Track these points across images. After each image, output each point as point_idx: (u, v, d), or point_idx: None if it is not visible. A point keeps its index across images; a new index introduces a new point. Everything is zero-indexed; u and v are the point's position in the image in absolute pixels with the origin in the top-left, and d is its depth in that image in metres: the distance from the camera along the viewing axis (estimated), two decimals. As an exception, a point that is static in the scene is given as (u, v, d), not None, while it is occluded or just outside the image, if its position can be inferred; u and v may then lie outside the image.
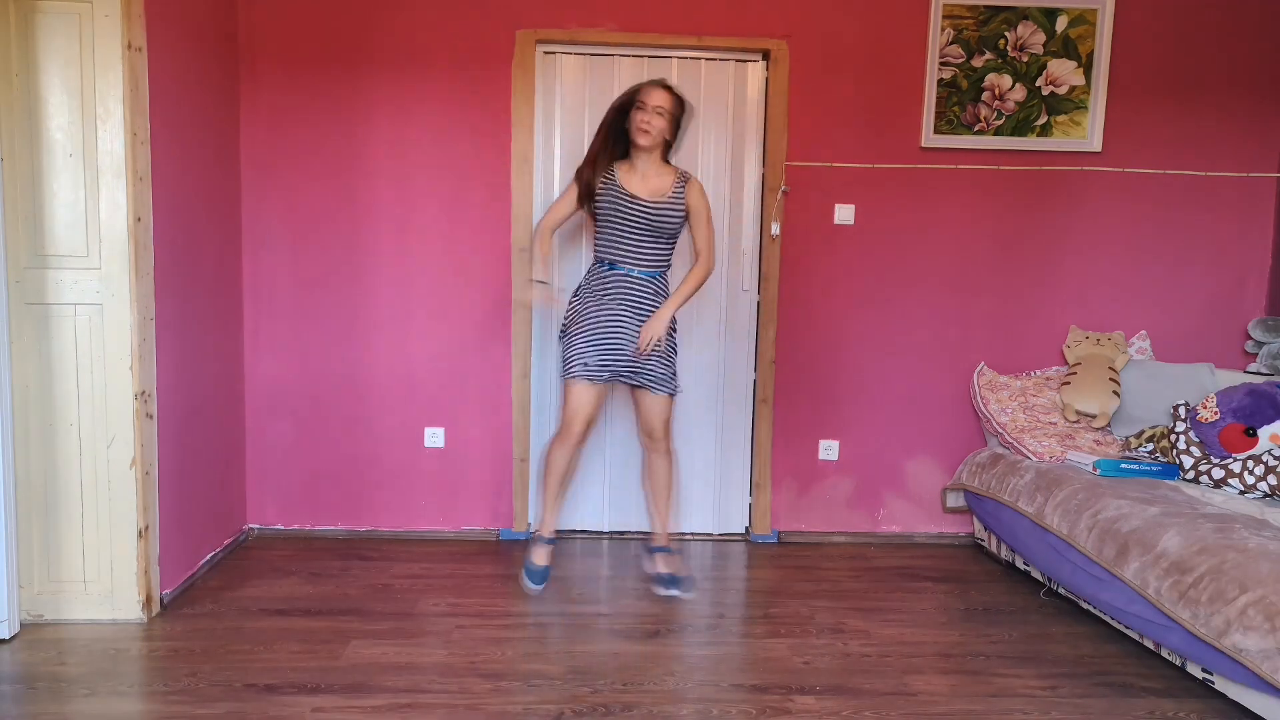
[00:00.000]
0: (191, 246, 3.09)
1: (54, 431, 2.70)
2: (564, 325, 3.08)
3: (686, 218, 3.00)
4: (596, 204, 2.98)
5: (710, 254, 3.04)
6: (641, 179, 2.98)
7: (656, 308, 2.99)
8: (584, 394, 2.94)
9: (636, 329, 2.98)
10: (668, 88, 2.95)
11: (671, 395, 3.00)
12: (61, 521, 2.73)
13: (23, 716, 2.21)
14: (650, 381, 2.98)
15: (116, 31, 2.59)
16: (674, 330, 3.07)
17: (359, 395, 3.65)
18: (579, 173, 3.02)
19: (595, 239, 3.07)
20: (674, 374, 3.03)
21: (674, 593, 2.91)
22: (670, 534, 3.14)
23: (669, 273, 3.10)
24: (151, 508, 2.80)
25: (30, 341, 2.67)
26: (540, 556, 3.03)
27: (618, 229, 2.97)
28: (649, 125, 2.89)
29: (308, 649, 2.62)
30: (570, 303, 3.09)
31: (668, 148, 3.03)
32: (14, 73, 2.58)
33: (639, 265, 2.98)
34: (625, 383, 3.04)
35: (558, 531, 3.21)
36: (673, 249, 3.08)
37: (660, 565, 2.96)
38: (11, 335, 2.64)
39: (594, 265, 3.07)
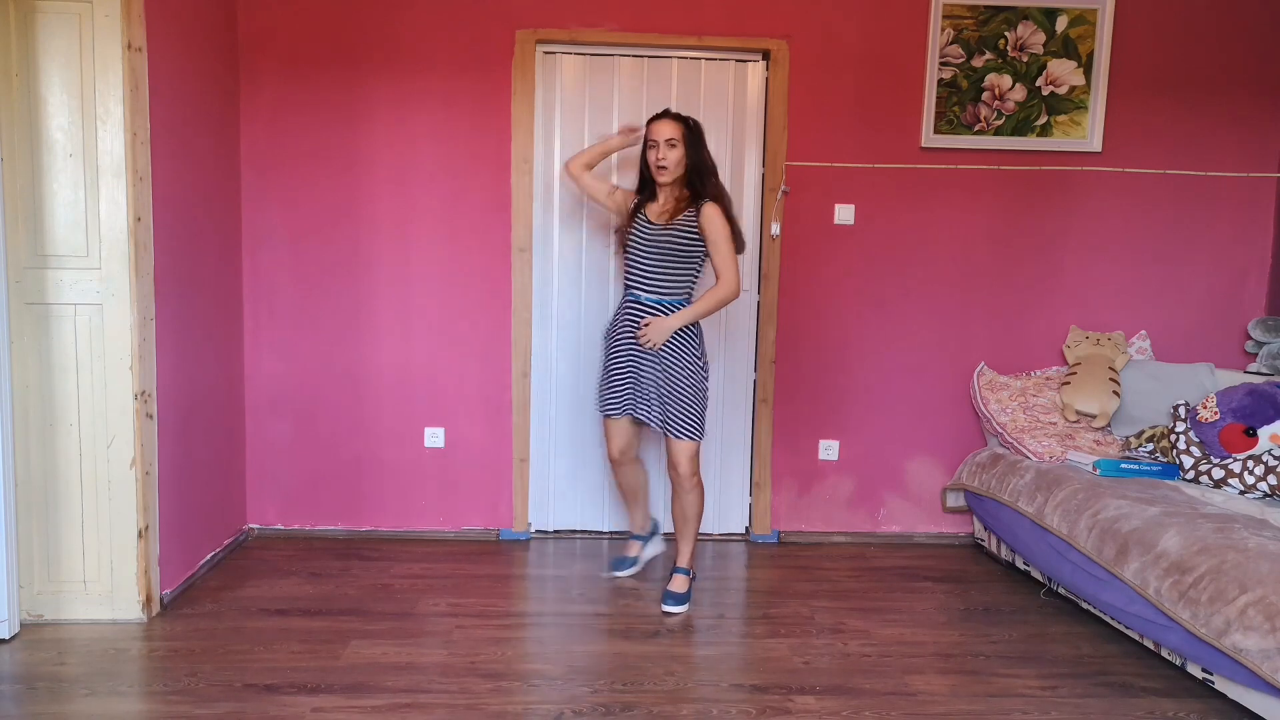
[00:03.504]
0: (191, 246, 3.09)
1: (54, 431, 2.70)
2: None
3: (703, 243, 2.95)
4: (626, 235, 3.07)
5: (732, 276, 2.90)
6: (660, 206, 3.03)
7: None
8: (610, 427, 3.15)
9: (639, 362, 2.99)
10: (672, 115, 2.98)
11: (693, 441, 2.97)
12: (61, 521, 2.73)
13: (23, 716, 2.21)
14: (670, 427, 2.97)
15: (116, 31, 2.59)
16: (705, 374, 3.01)
17: (359, 395, 3.65)
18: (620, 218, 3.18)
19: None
20: (696, 419, 2.97)
21: (681, 610, 2.96)
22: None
23: (686, 303, 3.00)
24: (151, 508, 2.80)
25: (30, 341, 2.67)
26: (627, 549, 3.37)
27: (631, 252, 3.03)
28: (665, 160, 2.93)
29: (308, 649, 2.62)
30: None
31: (700, 172, 2.97)
32: (14, 73, 2.59)
33: (648, 290, 2.99)
34: (646, 423, 3.04)
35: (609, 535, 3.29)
36: (689, 278, 3.00)
37: (675, 585, 3.04)
38: (11, 335, 2.64)
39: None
